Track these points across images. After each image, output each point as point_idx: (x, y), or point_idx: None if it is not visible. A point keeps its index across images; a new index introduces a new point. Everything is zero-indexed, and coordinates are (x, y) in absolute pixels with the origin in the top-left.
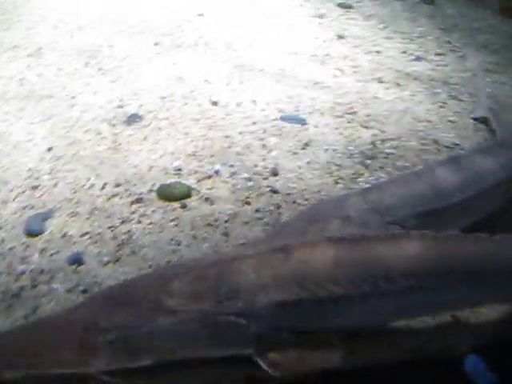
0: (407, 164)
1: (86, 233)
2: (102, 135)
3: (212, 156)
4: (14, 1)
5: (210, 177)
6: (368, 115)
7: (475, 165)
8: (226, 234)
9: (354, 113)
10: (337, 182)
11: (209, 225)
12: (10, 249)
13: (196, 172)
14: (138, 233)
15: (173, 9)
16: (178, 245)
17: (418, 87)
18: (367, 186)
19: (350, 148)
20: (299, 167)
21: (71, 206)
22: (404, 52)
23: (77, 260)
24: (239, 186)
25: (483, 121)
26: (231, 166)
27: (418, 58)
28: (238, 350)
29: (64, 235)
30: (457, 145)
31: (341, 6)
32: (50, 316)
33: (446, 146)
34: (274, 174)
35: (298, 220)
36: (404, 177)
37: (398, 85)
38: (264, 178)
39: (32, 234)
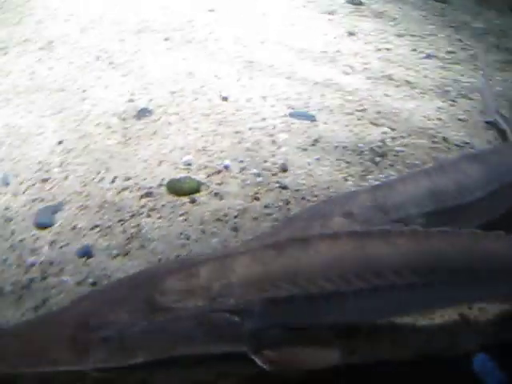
0: (417, 162)
1: (96, 226)
2: (112, 129)
3: (222, 151)
4: None
5: (219, 172)
6: (378, 112)
7: (486, 164)
8: (235, 229)
9: (363, 110)
10: (346, 179)
11: (218, 220)
12: (20, 241)
13: (206, 167)
14: (148, 227)
15: (183, 4)
16: (187, 239)
17: (429, 85)
18: (376, 183)
19: (359, 145)
20: (308, 164)
21: (81, 199)
22: (414, 50)
23: (86, 253)
24: (248, 182)
25: (495, 123)
26: (241, 161)
27: (428, 56)
28: (232, 347)
29: (74, 228)
30: (467, 143)
31: (351, 2)
32: (44, 314)
33: (456, 144)
34: (284, 170)
35: (301, 216)
36: (413, 175)
37: (409, 82)
38: (273, 174)
39: (42, 226)
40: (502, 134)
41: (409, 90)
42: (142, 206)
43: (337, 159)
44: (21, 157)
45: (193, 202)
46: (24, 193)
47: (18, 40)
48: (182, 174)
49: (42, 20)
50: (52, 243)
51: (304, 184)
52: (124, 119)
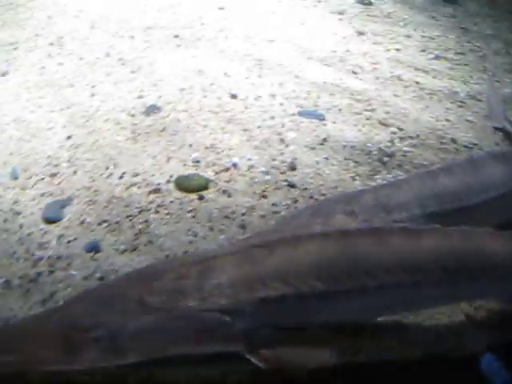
0: (425, 162)
1: (104, 221)
2: (121, 125)
3: (230, 149)
4: None
5: (227, 169)
6: (387, 113)
7: (491, 168)
8: (242, 227)
9: (372, 110)
10: (354, 179)
11: (226, 217)
12: (28, 234)
13: (214, 164)
14: (156, 223)
15: (193, 1)
16: (195, 236)
17: (437, 86)
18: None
19: (368, 145)
20: (317, 162)
21: (89, 194)
22: (424, 50)
23: (94, 247)
24: (256, 180)
25: (503, 129)
26: (249, 159)
27: (437, 57)
28: (224, 346)
29: (82, 223)
30: (475, 144)
31: (361, 3)
32: (36, 314)
33: (465, 145)
34: (292, 168)
35: (303, 213)
36: (418, 176)
37: (417, 83)
38: (281, 173)
39: (50, 220)
40: (510, 137)
41: (418, 91)
42: (150, 202)
43: (345, 158)
44: (30, 151)
45: (201, 198)
46: (33, 187)
47: (28, 35)
48: (191, 171)
49: (51, 16)
50: (60, 237)
51: (312, 183)
52: (133, 115)
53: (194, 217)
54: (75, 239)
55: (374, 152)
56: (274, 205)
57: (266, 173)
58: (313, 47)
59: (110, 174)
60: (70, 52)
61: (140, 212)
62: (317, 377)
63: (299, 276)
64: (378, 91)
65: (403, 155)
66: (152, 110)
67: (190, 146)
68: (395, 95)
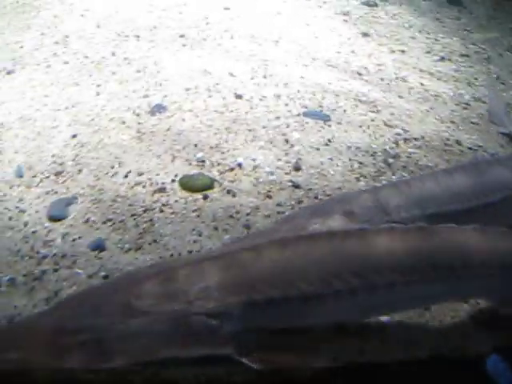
0: (430, 164)
1: (109, 220)
2: (126, 124)
3: (235, 149)
4: None
5: (232, 169)
6: (391, 114)
7: (495, 171)
8: (247, 227)
9: (377, 111)
10: (359, 180)
11: (230, 217)
12: (33, 232)
13: (219, 164)
14: (160, 222)
15: (199, 1)
16: (200, 235)
17: (442, 88)
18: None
19: (373, 146)
20: (321, 163)
21: (94, 193)
22: (428, 52)
23: (99, 246)
24: (261, 180)
25: (509, 133)
26: (254, 159)
27: (442, 59)
28: (212, 350)
29: (86, 221)
30: (480, 146)
31: (366, 4)
32: (25, 317)
33: (469, 147)
34: (296, 168)
35: (302, 213)
36: (419, 178)
37: (422, 85)
38: (286, 173)
39: (55, 218)
40: None
41: (422, 93)
42: (155, 202)
43: (350, 159)
44: (35, 149)
45: (205, 198)
46: (38, 185)
47: (35, 34)
48: (195, 171)
49: (58, 15)
50: (65, 236)
51: (317, 183)
52: (138, 115)
53: (198, 216)
54: (80, 237)
55: (379, 153)
56: (278, 205)
57: (271, 173)
58: (318, 48)
59: (115, 173)
60: (76, 51)
61: (145, 211)
62: (317, 377)
63: (287, 278)
64: (383, 92)
65: (408, 157)
66: (157, 109)
67: (195, 145)
68: (400, 97)
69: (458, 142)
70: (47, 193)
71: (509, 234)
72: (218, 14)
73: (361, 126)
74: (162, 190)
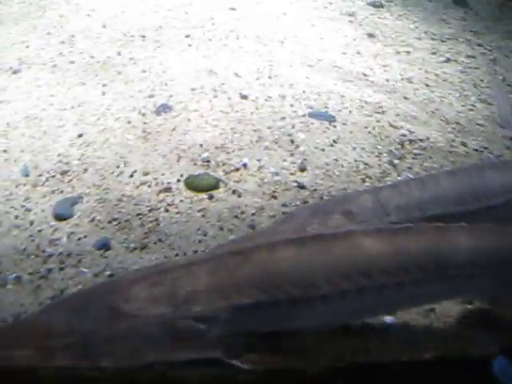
0: (435, 165)
1: (114, 219)
2: (131, 124)
3: (240, 149)
4: None
5: (237, 170)
6: (397, 115)
7: (498, 174)
8: (252, 227)
9: (383, 112)
10: (364, 181)
11: (235, 217)
12: (39, 231)
13: (224, 164)
14: (166, 221)
15: (204, 1)
16: (205, 235)
17: (448, 89)
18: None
19: (378, 147)
20: (327, 164)
21: (100, 192)
22: (434, 53)
23: (104, 245)
24: (266, 180)
25: None
26: (259, 159)
27: (448, 60)
28: (201, 353)
29: (92, 220)
30: (485, 148)
31: (372, 4)
32: (13, 321)
33: (475, 149)
34: (302, 169)
35: (301, 213)
36: (420, 179)
37: (428, 86)
38: (291, 173)
39: (60, 217)
40: None
41: (428, 94)
42: (161, 201)
43: (355, 160)
44: (41, 149)
45: (211, 198)
46: (43, 184)
47: (41, 33)
48: (201, 171)
49: (64, 15)
50: (70, 235)
51: (322, 184)
52: (144, 114)
53: (203, 216)
54: (85, 236)
55: (384, 154)
56: (283, 205)
57: (276, 173)
58: (323, 49)
59: (121, 173)
60: (82, 51)
61: (150, 211)
62: (317, 377)
63: (274, 282)
64: (389, 93)
65: (413, 158)
66: (163, 109)
67: (201, 145)
68: (405, 98)
69: (464, 144)
70: (53, 192)
71: (496, 231)
72: (224, 15)
73: (366, 127)
74: (168, 189)
